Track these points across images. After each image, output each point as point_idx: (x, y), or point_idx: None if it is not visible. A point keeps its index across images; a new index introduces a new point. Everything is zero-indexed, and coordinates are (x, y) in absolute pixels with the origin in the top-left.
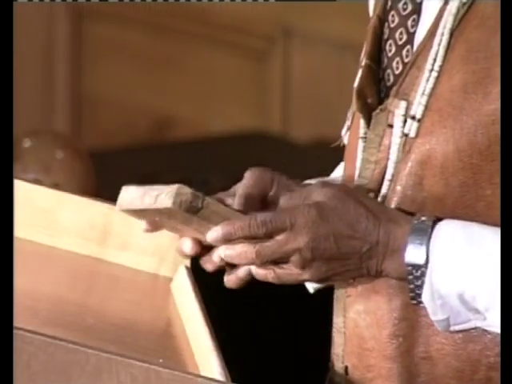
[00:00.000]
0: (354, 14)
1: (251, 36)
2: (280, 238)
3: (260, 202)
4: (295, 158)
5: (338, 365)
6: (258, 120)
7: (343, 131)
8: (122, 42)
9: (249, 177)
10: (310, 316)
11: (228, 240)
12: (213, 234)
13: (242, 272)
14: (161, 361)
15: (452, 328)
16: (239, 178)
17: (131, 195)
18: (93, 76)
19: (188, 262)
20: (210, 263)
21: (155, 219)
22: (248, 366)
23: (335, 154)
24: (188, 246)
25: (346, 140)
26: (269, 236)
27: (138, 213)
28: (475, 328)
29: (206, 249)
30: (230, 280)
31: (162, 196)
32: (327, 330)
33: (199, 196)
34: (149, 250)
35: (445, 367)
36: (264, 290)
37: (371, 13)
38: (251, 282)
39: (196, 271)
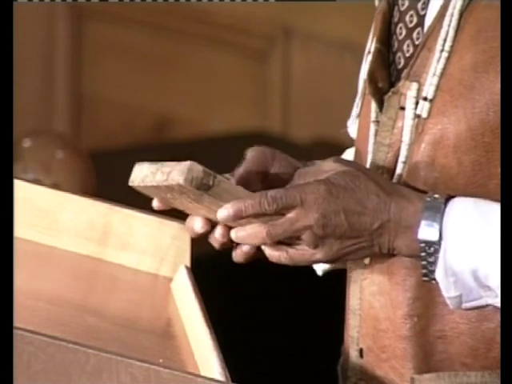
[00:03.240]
0: (354, 14)
1: (251, 36)
2: (290, 215)
3: (261, 178)
4: (295, 158)
5: (353, 347)
6: (258, 120)
7: (349, 121)
8: (122, 42)
9: (249, 154)
10: (310, 315)
11: (238, 218)
12: (223, 212)
13: (246, 246)
14: (161, 361)
15: (464, 305)
16: None
17: (144, 172)
18: (93, 76)
19: (188, 262)
20: (215, 241)
21: (167, 196)
22: (248, 366)
23: (335, 153)
24: (199, 225)
25: (353, 128)
26: (279, 213)
27: (150, 189)
28: (487, 305)
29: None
30: (237, 255)
31: (174, 173)
32: (327, 328)
33: (211, 174)
34: (149, 250)
35: (460, 346)
36: (263, 290)
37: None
38: (251, 281)
39: (196, 271)
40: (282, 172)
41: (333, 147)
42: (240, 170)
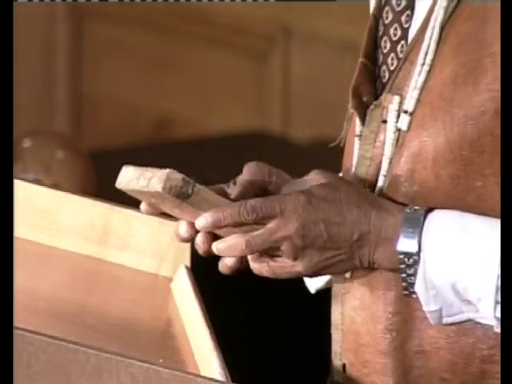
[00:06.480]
0: (354, 14)
1: (251, 36)
2: (270, 225)
3: (257, 193)
4: (295, 158)
5: (337, 362)
6: (257, 120)
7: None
8: (122, 42)
9: (247, 169)
10: (310, 315)
11: (217, 227)
12: (201, 221)
13: (229, 260)
14: (161, 361)
15: (444, 320)
16: None
17: (130, 175)
18: (93, 76)
19: (188, 262)
20: (198, 248)
21: (151, 200)
22: (248, 366)
23: (335, 153)
24: (183, 229)
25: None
26: (258, 223)
27: (136, 193)
28: (468, 320)
29: None
30: (222, 266)
31: (154, 180)
32: (327, 328)
33: (189, 182)
34: (149, 250)
35: (438, 361)
36: (264, 290)
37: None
38: (251, 281)
39: (196, 271)
40: (280, 187)
41: (332, 147)
42: (239, 182)
